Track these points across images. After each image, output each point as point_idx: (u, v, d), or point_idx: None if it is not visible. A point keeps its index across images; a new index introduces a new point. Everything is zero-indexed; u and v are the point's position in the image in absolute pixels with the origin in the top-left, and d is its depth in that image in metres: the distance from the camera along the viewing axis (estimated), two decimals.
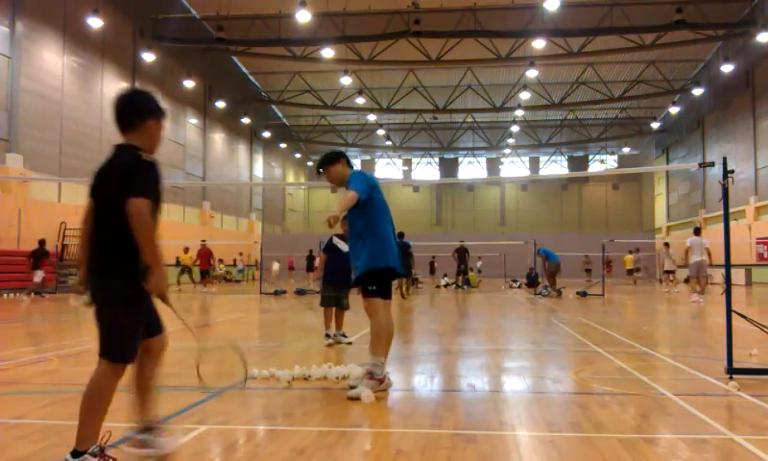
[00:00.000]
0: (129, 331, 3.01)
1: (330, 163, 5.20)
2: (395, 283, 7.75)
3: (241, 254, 37.02)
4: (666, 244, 23.80)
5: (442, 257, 34.03)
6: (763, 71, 31.34)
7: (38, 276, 18.76)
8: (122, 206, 2.88)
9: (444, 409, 4.44)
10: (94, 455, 2.89)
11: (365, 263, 4.90)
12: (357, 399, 4.53)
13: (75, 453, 2.87)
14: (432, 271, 32.26)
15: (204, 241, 24.20)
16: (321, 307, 8.07)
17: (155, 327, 3.20)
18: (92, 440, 2.90)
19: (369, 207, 4.95)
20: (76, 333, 10.05)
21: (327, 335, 7.83)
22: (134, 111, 3.15)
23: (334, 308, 7.97)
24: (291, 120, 49.40)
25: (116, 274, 2.98)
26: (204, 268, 23.61)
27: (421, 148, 53.24)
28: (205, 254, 23.49)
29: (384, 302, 4.95)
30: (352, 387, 4.80)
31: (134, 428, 3.15)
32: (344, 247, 7.75)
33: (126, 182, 2.91)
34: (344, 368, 5.48)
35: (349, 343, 7.79)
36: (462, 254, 24.61)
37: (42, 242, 19.05)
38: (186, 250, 24.43)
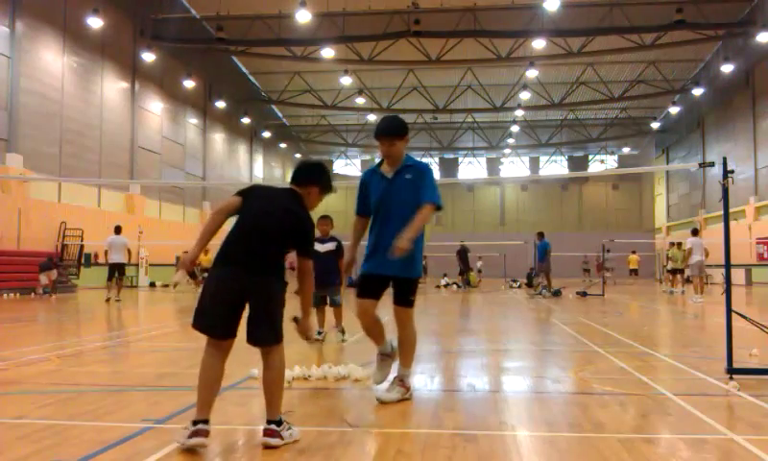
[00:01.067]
0: (282, 320, 3.63)
1: (400, 136, 4.58)
2: None
3: None
4: (672, 244, 23.79)
5: (434, 257, 34.03)
6: (763, 71, 31.34)
7: (44, 278, 18.96)
8: (287, 241, 3.60)
9: (443, 409, 4.45)
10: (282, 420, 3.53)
11: (417, 271, 4.65)
12: (389, 402, 4.48)
13: (277, 422, 3.47)
14: (425, 271, 32.22)
15: None
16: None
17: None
18: (280, 409, 3.54)
19: None
20: (76, 333, 10.06)
21: (319, 332, 8.05)
22: (309, 177, 3.79)
23: (325, 308, 8.27)
24: (291, 120, 49.38)
25: (280, 277, 3.61)
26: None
27: (421, 148, 53.21)
28: None
29: None
30: (381, 388, 4.71)
31: (267, 421, 3.50)
32: (321, 248, 8.00)
33: (299, 235, 3.64)
34: (343, 368, 5.47)
35: (343, 340, 7.99)
36: (463, 254, 24.59)
37: (51, 257, 19.52)
38: (206, 252, 24.34)
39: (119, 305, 15.58)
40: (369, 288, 4.64)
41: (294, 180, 3.78)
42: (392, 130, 4.55)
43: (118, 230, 17.20)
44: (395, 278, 4.58)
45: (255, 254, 3.49)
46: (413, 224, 4.35)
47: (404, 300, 4.61)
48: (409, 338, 4.68)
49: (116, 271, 16.91)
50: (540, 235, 19.64)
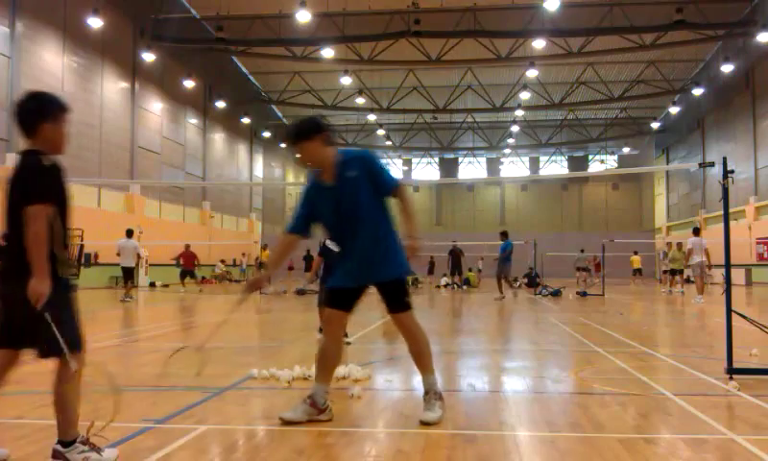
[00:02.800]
0: (69, 325, 3.06)
1: (306, 138, 3.95)
2: None
3: (244, 254, 37.01)
4: (669, 244, 23.75)
5: (442, 257, 34.01)
6: (763, 71, 31.34)
7: None
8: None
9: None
10: (83, 443, 3.09)
11: (404, 267, 4.07)
12: (435, 422, 3.89)
13: (67, 442, 3.05)
14: (431, 271, 32.22)
15: (188, 245, 23.92)
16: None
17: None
18: (72, 428, 3.10)
19: (387, 202, 4.08)
20: None
21: (321, 330, 8.00)
22: (27, 116, 3.10)
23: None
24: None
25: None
26: (189, 268, 23.37)
27: (421, 148, 53.23)
28: (190, 257, 23.35)
29: None
30: (428, 412, 3.97)
31: (64, 443, 3.10)
32: (335, 247, 8.03)
33: (17, 188, 2.97)
34: (343, 368, 5.47)
35: (348, 343, 7.85)
36: (455, 255, 24.51)
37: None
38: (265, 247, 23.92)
39: (124, 305, 15.59)
40: (341, 299, 4.08)
41: (24, 136, 3.12)
42: (295, 135, 3.99)
43: (129, 233, 17.19)
44: (381, 283, 4.03)
45: (7, 257, 3.04)
46: (409, 216, 4.01)
47: (401, 303, 4.02)
48: (421, 343, 4.10)
49: (127, 274, 17.02)
50: (504, 235, 18.52)
